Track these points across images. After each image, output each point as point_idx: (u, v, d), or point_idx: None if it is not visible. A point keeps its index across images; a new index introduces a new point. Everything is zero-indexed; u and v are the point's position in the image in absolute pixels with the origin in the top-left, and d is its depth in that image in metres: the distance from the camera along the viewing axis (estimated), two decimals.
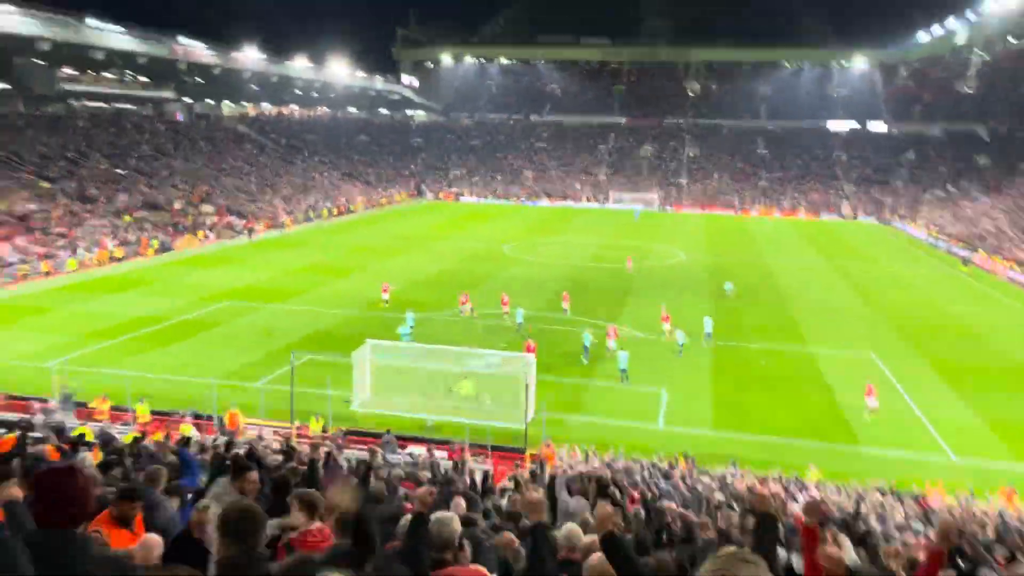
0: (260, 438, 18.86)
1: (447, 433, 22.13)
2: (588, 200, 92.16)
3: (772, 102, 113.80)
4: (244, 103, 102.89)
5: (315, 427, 21.88)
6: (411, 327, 31.62)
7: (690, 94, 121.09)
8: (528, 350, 27.42)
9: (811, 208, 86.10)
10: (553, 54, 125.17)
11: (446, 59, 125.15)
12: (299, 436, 20.82)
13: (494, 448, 20.99)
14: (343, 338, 30.67)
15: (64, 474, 3.06)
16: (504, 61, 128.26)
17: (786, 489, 16.91)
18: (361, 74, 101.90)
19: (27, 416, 20.28)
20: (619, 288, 43.17)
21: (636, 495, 13.08)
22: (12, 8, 51.21)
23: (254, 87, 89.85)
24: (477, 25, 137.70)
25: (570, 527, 5.54)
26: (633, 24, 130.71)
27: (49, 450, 11.56)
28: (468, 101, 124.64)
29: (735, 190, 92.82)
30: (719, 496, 15.24)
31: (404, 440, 21.32)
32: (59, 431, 16.79)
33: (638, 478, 16.85)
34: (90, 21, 58.13)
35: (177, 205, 61.34)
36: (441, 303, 38.11)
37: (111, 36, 60.00)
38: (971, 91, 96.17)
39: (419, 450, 20.03)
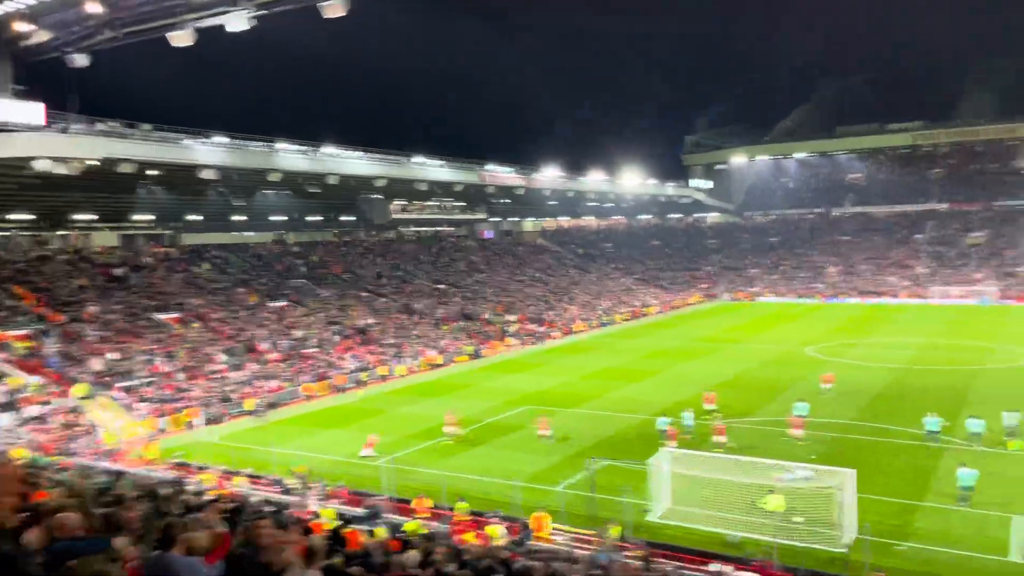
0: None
1: (753, 552, 20.44)
2: (905, 296, 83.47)
3: None
4: (544, 218, 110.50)
5: (614, 533, 21.52)
6: (667, 425, 31.19)
7: None
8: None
9: None
10: (856, 144, 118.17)
11: (737, 160, 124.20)
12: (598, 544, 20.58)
13: (809, 573, 18.91)
14: (637, 443, 30.34)
15: None
16: (800, 156, 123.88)
17: None
18: (652, 181, 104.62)
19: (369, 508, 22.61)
20: (948, 396, 37.68)
21: None
22: (359, 153, 60.98)
23: (553, 203, 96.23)
24: (769, 124, 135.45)
25: None
26: (948, 104, 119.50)
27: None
28: (762, 199, 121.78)
29: None
30: None
31: (705, 556, 20.12)
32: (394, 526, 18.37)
33: None
34: (415, 159, 67.02)
35: (486, 315, 66.57)
36: (739, 410, 36.25)
37: (432, 170, 68.49)
38: None
39: (718, 568, 18.72)
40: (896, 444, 30.09)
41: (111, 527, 6.73)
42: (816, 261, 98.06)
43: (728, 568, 18.80)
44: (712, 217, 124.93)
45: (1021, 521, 21.57)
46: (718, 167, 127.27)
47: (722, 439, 29.68)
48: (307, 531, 10.60)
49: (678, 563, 19.09)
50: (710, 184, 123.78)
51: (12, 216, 52.49)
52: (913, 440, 30.25)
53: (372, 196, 70.71)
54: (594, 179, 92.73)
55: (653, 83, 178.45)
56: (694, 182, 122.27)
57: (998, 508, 23.02)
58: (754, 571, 18.89)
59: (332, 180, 57.60)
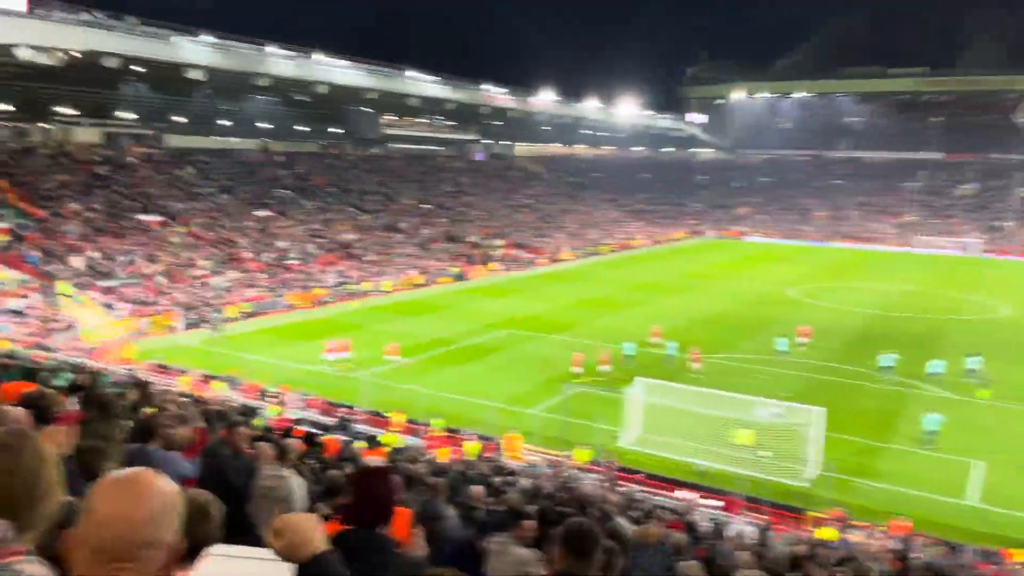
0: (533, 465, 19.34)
1: (719, 483, 21.01)
2: (891, 243, 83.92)
3: None
4: (536, 143, 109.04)
5: (580, 457, 22.00)
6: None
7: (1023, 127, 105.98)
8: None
9: None
10: (858, 86, 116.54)
11: (736, 95, 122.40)
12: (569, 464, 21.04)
13: (772, 505, 19.50)
14: (615, 371, 30.74)
15: (380, 476, 3.17)
16: (800, 95, 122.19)
17: None
18: (648, 113, 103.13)
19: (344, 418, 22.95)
20: (921, 343, 38.26)
21: None
22: (348, 63, 59.34)
23: (546, 128, 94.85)
24: (771, 60, 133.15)
25: None
26: (953, 51, 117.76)
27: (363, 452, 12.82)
28: (757, 137, 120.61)
29: None
30: None
31: (672, 484, 20.66)
32: (369, 437, 18.63)
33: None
34: (409, 73, 65.42)
35: (472, 238, 66.34)
36: (718, 345, 36.71)
37: (426, 85, 67.00)
38: None
39: (685, 495, 19.24)
40: (867, 387, 30.71)
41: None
42: (805, 203, 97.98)
43: (694, 496, 19.31)
44: (705, 153, 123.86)
45: (982, 465, 22.34)
46: (716, 102, 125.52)
47: (606, 368, 30.76)
48: (284, 434, 10.70)
49: (646, 488, 19.59)
50: (705, 119, 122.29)
51: None
52: (884, 384, 30.91)
53: (361, 109, 69.20)
54: (590, 106, 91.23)
55: (656, 10, 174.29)
56: (690, 116, 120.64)
57: (960, 454, 23.72)
58: (724, 500, 19.44)
59: (321, 90, 56.29)
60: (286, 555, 2.06)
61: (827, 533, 16.82)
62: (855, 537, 16.70)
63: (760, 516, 18.40)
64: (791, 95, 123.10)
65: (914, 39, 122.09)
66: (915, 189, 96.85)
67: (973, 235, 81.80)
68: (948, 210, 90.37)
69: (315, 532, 2.08)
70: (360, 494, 2.92)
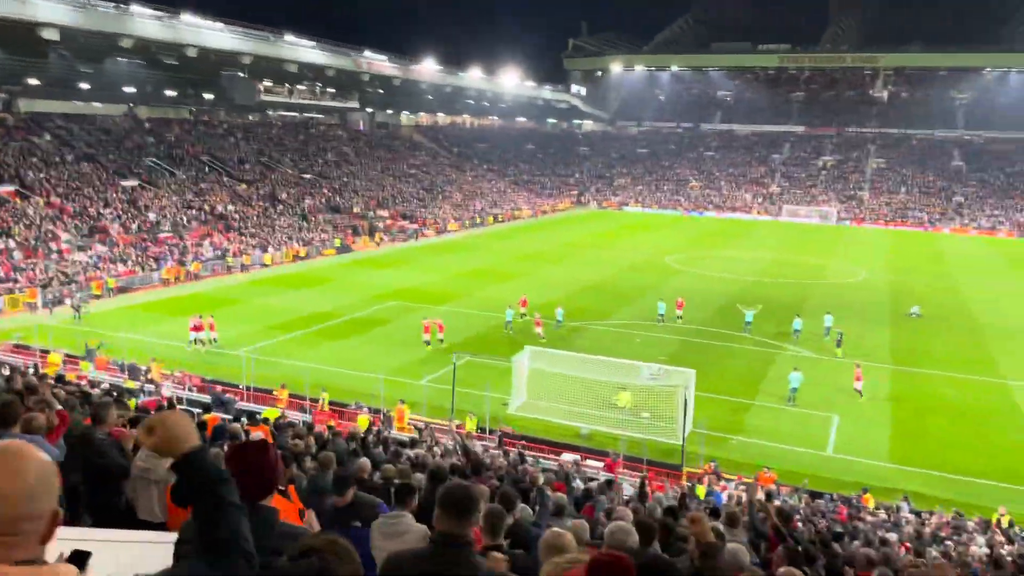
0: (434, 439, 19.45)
1: (602, 444, 21.87)
2: (758, 212, 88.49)
3: (971, 111, 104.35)
4: (420, 113, 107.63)
5: (471, 425, 22.36)
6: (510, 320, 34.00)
7: (877, 102, 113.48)
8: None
9: (1018, 227, 77.77)
10: (728, 61, 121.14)
11: (616, 68, 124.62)
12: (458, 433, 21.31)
13: (650, 463, 20.49)
14: (501, 341, 31.24)
15: (257, 449, 3.18)
16: (675, 69, 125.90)
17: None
18: (531, 84, 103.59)
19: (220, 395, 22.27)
20: (787, 306, 40.76)
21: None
22: (221, 26, 56.29)
23: (430, 98, 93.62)
24: (650, 34, 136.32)
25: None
26: (816, 29, 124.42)
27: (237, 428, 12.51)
28: (636, 109, 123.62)
29: (924, 205, 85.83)
30: (893, 536, 14.23)
31: (557, 447, 21.32)
32: (250, 414, 18.21)
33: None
34: (288, 37, 62.87)
35: (356, 209, 65.10)
36: (599, 313, 37.87)
37: (304, 51, 64.58)
38: None
39: (570, 457, 19.92)
40: (737, 348, 32.55)
41: None
42: (681, 174, 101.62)
43: (576, 457, 20.03)
44: (587, 125, 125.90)
45: (837, 419, 24.24)
46: (597, 73, 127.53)
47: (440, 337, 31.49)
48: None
49: (534, 453, 20.14)
50: (587, 91, 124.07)
51: None
52: (752, 345, 32.83)
53: (237, 74, 65.97)
54: (474, 76, 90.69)
55: None
56: (573, 88, 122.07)
57: (819, 408, 25.62)
58: (606, 461, 20.24)
59: (191, 53, 53.31)
60: (161, 452, 2.06)
61: (699, 490, 17.87)
62: (726, 489, 17.83)
63: (637, 473, 19.30)
64: (668, 68, 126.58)
65: (783, 17, 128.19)
66: (780, 161, 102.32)
67: (832, 204, 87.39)
68: (810, 180, 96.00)
69: (190, 429, 2.09)
70: (238, 467, 2.94)
